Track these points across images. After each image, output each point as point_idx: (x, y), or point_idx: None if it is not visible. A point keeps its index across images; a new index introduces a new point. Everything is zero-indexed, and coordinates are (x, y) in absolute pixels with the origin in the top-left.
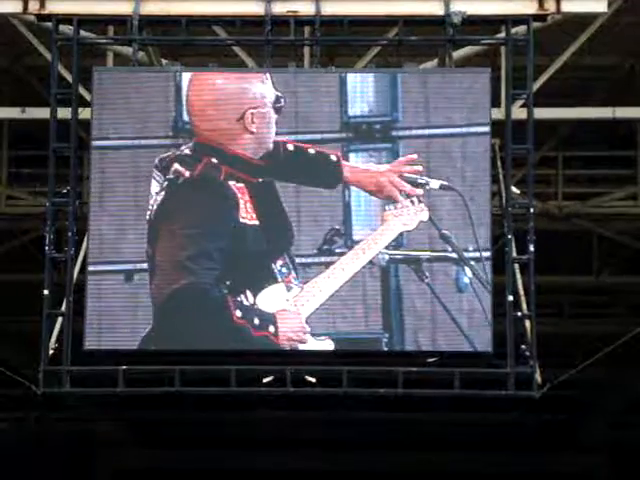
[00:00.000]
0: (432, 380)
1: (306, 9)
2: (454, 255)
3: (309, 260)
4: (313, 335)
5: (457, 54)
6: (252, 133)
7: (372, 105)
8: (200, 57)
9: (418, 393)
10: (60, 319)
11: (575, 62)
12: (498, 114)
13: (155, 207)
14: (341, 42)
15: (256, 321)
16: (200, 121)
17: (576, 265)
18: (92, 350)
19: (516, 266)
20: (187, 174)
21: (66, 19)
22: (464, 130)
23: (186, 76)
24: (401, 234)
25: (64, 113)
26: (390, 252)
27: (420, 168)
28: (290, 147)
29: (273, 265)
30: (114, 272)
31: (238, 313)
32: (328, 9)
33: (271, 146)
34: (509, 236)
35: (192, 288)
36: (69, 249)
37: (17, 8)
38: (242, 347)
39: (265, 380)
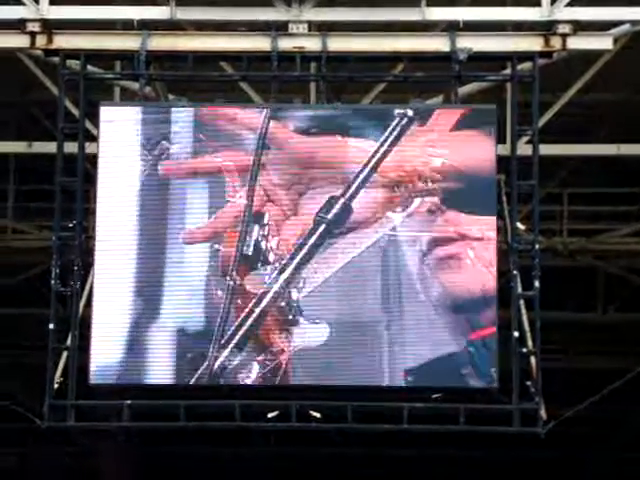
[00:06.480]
0: (437, 416)
1: (312, 45)
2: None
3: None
4: (308, 320)
5: (462, 90)
6: None
7: None
8: (207, 92)
9: (423, 429)
10: (65, 353)
11: (580, 98)
12: (503, 150)
13: None
14: (347, 78)
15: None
16: None
17: (581, 302)
18: (97, 385)
19: (521, 302)
20: None
21: (73, 54)
22: None
23: None
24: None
25: (71, 147)
26: (389, 233)
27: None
28: None
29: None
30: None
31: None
32: (334, 45)
33: None
34: (514, 272)
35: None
36: (74, 283)
37: (24, 43)
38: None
39: (270, 415)
